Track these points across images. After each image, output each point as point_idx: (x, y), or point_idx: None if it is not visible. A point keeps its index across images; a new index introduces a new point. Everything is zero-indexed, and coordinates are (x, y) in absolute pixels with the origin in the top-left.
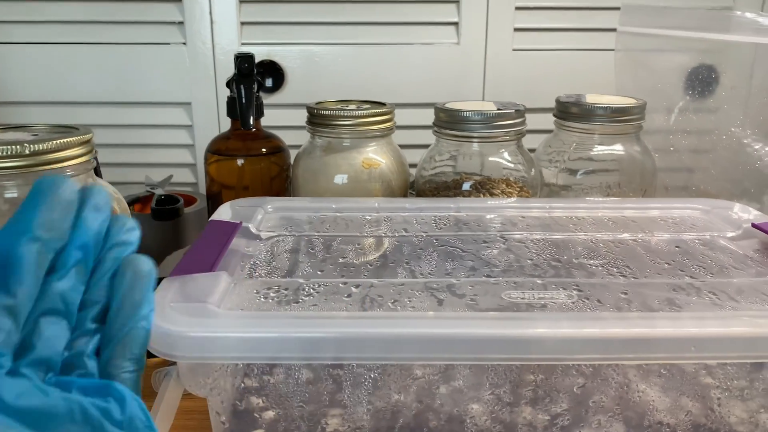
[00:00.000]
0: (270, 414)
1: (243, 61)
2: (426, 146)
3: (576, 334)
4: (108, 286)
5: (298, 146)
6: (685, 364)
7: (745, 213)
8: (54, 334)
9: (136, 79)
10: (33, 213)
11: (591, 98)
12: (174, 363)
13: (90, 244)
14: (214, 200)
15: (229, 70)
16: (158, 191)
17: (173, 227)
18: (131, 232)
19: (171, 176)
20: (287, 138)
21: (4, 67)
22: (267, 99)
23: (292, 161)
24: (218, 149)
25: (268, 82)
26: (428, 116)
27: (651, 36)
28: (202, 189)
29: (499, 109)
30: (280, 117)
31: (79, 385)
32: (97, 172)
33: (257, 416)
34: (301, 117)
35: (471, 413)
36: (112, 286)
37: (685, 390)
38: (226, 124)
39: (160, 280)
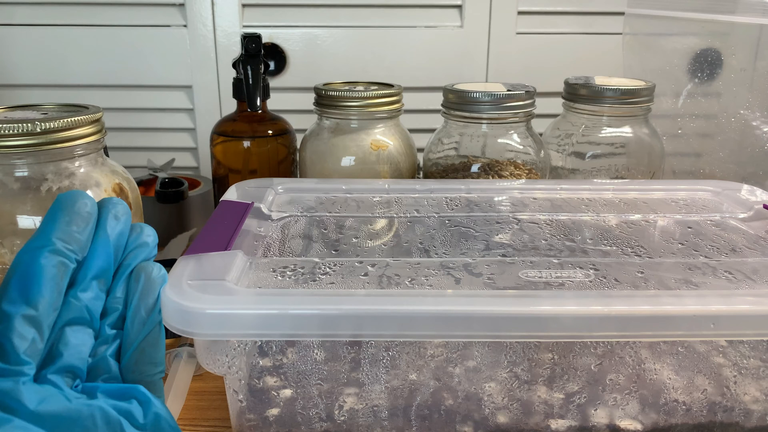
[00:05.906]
0: (287, 392)
1: (250, 41)
2: (429, 130)
3: (598, 312)
4: (125, 293)
5: (300, 130)
6: (703, 342)
7: (755, 194)
8: (80, 342)
9: (136, 62)
10: (52, 226)
11: (600, 80)
12: (184, 344)
13: (110, 254)
14: (220, 183)
15: (230, 52)
16: (161, 175)
17: (178, 210)
18: (149, 239)
19: (173, 160)
20: (289, 121)
21: (3, 48)
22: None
23: (297, 145)
24: (224, 131)
25: (270, 66)
26: (430, 100)
27: (659, 18)
28: (204, 173)
29: (509, 90)
30: (282, 101)
31: (103, 390)
32: (106, 152)
33: (275, 394)
34: (302, 100)
35: (488, 391)
36: (127, 292)
37: (702, 369)
38: (228, 107)
39: (166, 261)
